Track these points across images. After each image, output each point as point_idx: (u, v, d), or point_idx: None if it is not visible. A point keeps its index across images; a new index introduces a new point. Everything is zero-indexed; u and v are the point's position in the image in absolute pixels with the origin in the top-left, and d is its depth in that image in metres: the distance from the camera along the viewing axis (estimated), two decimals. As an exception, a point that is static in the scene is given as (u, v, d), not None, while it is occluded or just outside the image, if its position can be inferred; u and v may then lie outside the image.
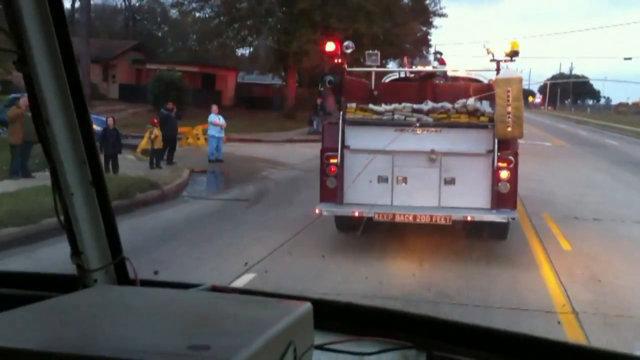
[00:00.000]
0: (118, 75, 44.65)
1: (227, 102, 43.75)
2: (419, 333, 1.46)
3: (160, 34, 41.27)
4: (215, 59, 43.28)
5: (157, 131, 17.41)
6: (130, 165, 16.36)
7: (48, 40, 1.39)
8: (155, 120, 18.35)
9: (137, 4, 56.64)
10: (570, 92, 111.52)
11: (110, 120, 15.70)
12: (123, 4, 56.98)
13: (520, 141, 8.68)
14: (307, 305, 1.22)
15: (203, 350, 0.97)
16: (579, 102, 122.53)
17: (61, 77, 1.42)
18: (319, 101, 31.06)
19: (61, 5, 1.41)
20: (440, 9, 43.56)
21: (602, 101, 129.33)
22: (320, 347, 1.35)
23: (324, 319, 1.32)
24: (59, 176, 1.47)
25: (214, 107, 20.43)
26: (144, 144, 18.50)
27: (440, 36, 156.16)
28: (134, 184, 12.49)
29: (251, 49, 42.09)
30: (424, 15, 42.21)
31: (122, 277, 1.59)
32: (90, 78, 37.17)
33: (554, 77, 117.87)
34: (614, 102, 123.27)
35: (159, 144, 17.42)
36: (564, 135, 39.50)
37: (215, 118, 20.15)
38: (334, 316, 1.48)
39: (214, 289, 1.50)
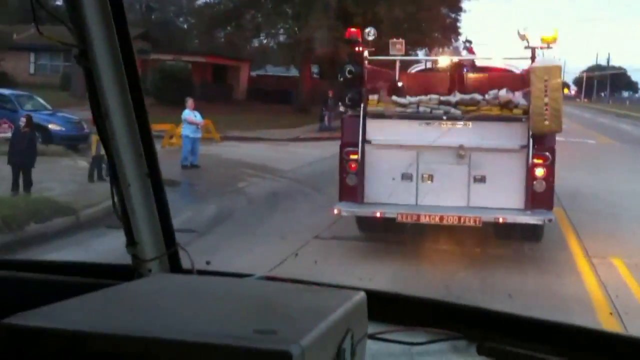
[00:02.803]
0: None
1: (240, 96, 43.65)
2: (468, 324, 1.56)
3: (185, 25, 41.00)
4: (227, 50, 42.97)
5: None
6: (68, 177, 13.64)
7: (108, 36, 1.53)
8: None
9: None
10: (607, 84, 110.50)
11: (23, 121, 12.71)
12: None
13: (559, 138, 8.57)
14: (362, 295, 1.34)
15: (270, 334, 1.08)
16: (615, 94, 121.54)
17: (120, 72, 1.57)
18: (330, 94, 30.63)
19: (121, 1, 1.55)
20: None
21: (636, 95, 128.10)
22: (371, 337, 1.45)
23: (374, 308, 1.42)
24: (117, 168, 1.62)
25: (189, 102, 18.23)
26: (94, 149, 14.56)
27: (470, 23, 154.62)
28: (34, 209, 9.88)
29: (263, 39, 41.71)
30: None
31: (175, 266, 1.74)
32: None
33: (590, 69, 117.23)
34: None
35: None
36: (608, 130, 37.57)
37: (190, 115, 17.93)
38: (384, 306, 1.58)
39: (268, 278, 1.64)
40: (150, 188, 1.68)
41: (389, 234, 8.94)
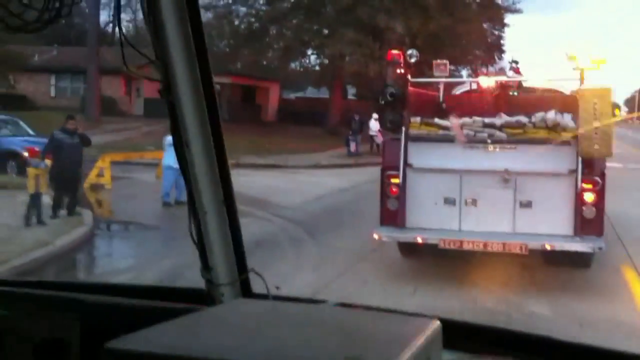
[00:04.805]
0: (144, 89, 41.72)
1: (269, 118, 43.90)
2: (539, 353, 1.65)
3: (224, 45, 40.82)
4: (256, 70, 43.01)
5: (42, 168, 12.39)
6: (4, 219, 11.95)
7: (191, 71, 1.71)
8: (37, 149, 12.87)
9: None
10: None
11: None
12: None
13: (616, 165, 8.52)
14: (438, 323, 1.42)
15: None
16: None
17: (201, 104, 1.74)
18: (356, 117, 30.60)
19: (203, 38, 1.72)
20: (514, 3, 41.11)
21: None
22: None
23: (448, 336, 1.51)
24: (195, 195, 1.78)
25: None
26: (30, 185, 12.28)
27: (515, 40, 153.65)
28: None
29: (294, 60, 41.31)
30: (492, 11, 40.01)
31: (246, 291, 1.88)
32: (107, 91, 37.35)
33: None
34: None
35: (45, 186, 12.34)
36: None
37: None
38: (455, 334, 1.67)
39: (341, 304, 1.75)
40: (226, 215, 1.82)
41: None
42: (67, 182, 12.91)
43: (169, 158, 13.89)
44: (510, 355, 1.64)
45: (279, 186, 18.94)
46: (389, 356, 1.19)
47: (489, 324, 1.78)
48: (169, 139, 14.00)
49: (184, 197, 11.38)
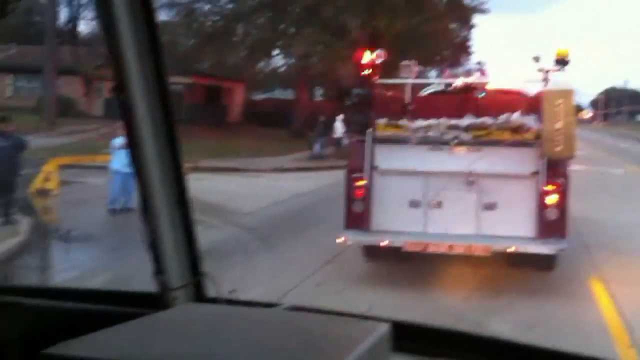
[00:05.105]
0: (104, 90, 40.09)
1: (235, 119, 43.35)
2: (490, 355, 1.67)
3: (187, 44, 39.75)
4: (222, 70, 42.43)
5: None
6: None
7: (144, 69, 1.69)
8: None
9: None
10: (625, 107, 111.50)
11: None
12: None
13: (579, 167, 8.63)
14: (388, 326, 1.43)
15: None
16: (632, 117, 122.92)
17: (155, 104, 1.73)
18: (321, 119, 30.03)
19: (157, 36, 1.71)
20: (481, 3, 40.96)
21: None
22: None
23: (398, 339, 1.52)
24: (147, 197, 1.77)
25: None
26: None
27: (482, 42, 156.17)
28: None
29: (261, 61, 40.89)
30: (460, 11, 39.90)
31: (200, 295, 1.86)
32: (66, 91, 36.51)
33: (607, 91, 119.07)
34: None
35: None
36: (633, 157, 35.74)
37: (123, 142, 13.20)
38: (408, 337, 1.69)
39: (294, 308, 1.76)
40: (179, 217, 1.81)
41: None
42: (1, 189, 12.25)
43: (117, 161, 13.39)
44: (462, 357, 1.65)
45: (238, 191, 18.36)
46: None
47: (441, 325, 1.79)
48: (116, 141, 13.87)
49: (133, 204, 10.62)
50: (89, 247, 11.52)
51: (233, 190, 18.09)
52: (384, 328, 1.41)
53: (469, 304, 8.03)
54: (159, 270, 1.80)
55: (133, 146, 1.74)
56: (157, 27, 1.70)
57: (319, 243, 10.51)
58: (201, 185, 15.59)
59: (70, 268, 9.88)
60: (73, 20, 43.06)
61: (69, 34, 42.24)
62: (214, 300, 1.82)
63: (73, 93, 38.87)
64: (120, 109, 1.72)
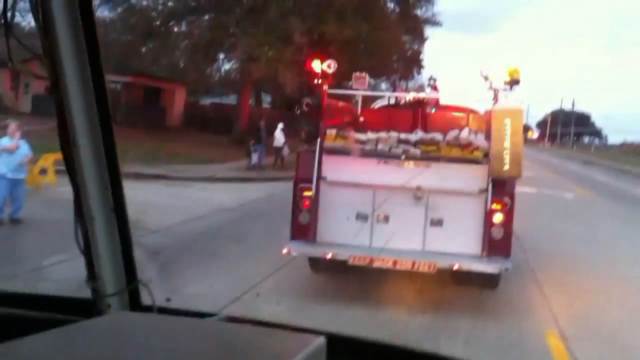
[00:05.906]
0: (33, 85, 38.44)
1: (174, 122, 42.29)
2: None
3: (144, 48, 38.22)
4: (164, 71, 41.01)
5: None
6: None
7: (81, 68, 1.66)
8: None
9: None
10: (571, 129, 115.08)
11: None
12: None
13: (530, 190, 8.74)
14: (322, 339, 1.44)
15: None
16: (578, 139, 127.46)
17: (91, 104, 1.69)
18: (262, 125, 28.06)
19: (95, 33, 1.67)
20: (433, 15, 41.64)
21: (597, 141, 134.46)
22: None
23: (335, 352, 1.52)
24: (82, 200, 1.73)
25: (12, 126, 12.60)
26: None
27: (435, 58, 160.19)
28: None
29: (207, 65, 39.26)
30: (410, 20, 40.03)
31: (135, 302, 1.84)
32: None
33: (553, 113, 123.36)
34: (613, 140, 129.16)
35: None
36: (582, 180, 35.35)
37: (10, 144, 12.42)
38: (345, 350, 1.70)
39: (229, 319, 1.76)
40: (115, 222, 1.77)
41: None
42: None
43: (2, 165, 12.00)
44: None
45: (157, 202, 16.11)
46: None
47: (376, 339, 1.79)
48: (2, 140, 12.31)
49: (21, 214, 10.24)
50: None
51: (151, 201, 15.56)
52: (319, 341, 1.41)
53: (412, 318, 8.11)
54: (93, 276, 1.77)
55: (66, 146, 1.70)
56: (94, 22, 1.67)
57: (227, 276, 9.64)
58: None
59: None
60: (4, 9, 41.62)
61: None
62: (149, 309, 1.80)
63: (-1, 86, 37.05)
64: (56, 108, 1.68)
